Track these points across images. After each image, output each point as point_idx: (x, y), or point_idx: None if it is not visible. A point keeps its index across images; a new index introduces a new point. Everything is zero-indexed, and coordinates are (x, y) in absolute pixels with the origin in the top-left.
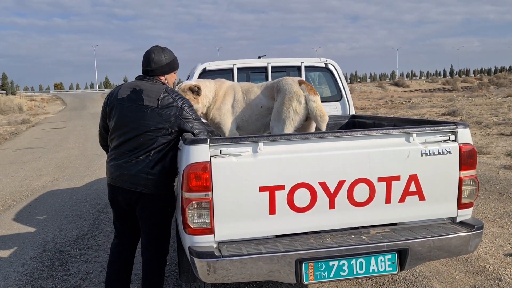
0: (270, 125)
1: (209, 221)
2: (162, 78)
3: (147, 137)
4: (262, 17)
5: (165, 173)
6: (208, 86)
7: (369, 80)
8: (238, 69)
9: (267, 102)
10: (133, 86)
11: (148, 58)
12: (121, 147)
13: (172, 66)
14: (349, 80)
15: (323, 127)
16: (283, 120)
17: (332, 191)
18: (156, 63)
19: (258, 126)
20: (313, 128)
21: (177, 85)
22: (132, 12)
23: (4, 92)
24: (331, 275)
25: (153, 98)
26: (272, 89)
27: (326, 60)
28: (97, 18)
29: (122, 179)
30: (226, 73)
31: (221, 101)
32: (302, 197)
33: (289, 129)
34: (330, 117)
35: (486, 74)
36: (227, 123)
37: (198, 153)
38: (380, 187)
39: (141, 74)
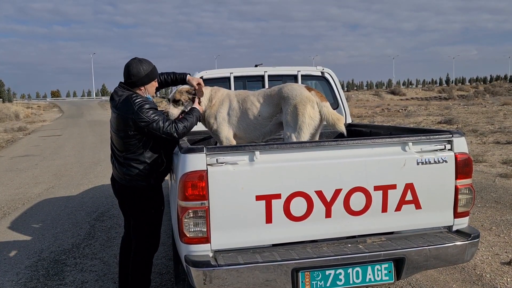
0: (285, 133)
1: (205, 230)
2: (142, 88)
3: (118, 139)
4: (262, 25)
5: (141, 169)
6: (204, 92)
7: (365, 88)
8: (235, 77)
9: (269, 109)
10: (113, 94)
11: (127, 71)
12: (112, 149)
13: (151, 76)
14: (345, 88)
15: (342, 129)
16: (300, 126)
17: (328, 199)
18: (135, 76)
19: (256, 135)
20: (317, 137)
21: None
22: (132, 20)
23: (1, 99)
24: (328, 284)
25: (119, 104)
26: (275, 96)
27: (323, 69)
28: (97, 26)
29: (114, 174)
30: (223, 82)
31: (216, 109)
32: (298, 206)
33: (306, 135)
34: (326, 125)
35: (482, 83)
36: (223, 131)
37: (194, 161)
38: (377, 196)
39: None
